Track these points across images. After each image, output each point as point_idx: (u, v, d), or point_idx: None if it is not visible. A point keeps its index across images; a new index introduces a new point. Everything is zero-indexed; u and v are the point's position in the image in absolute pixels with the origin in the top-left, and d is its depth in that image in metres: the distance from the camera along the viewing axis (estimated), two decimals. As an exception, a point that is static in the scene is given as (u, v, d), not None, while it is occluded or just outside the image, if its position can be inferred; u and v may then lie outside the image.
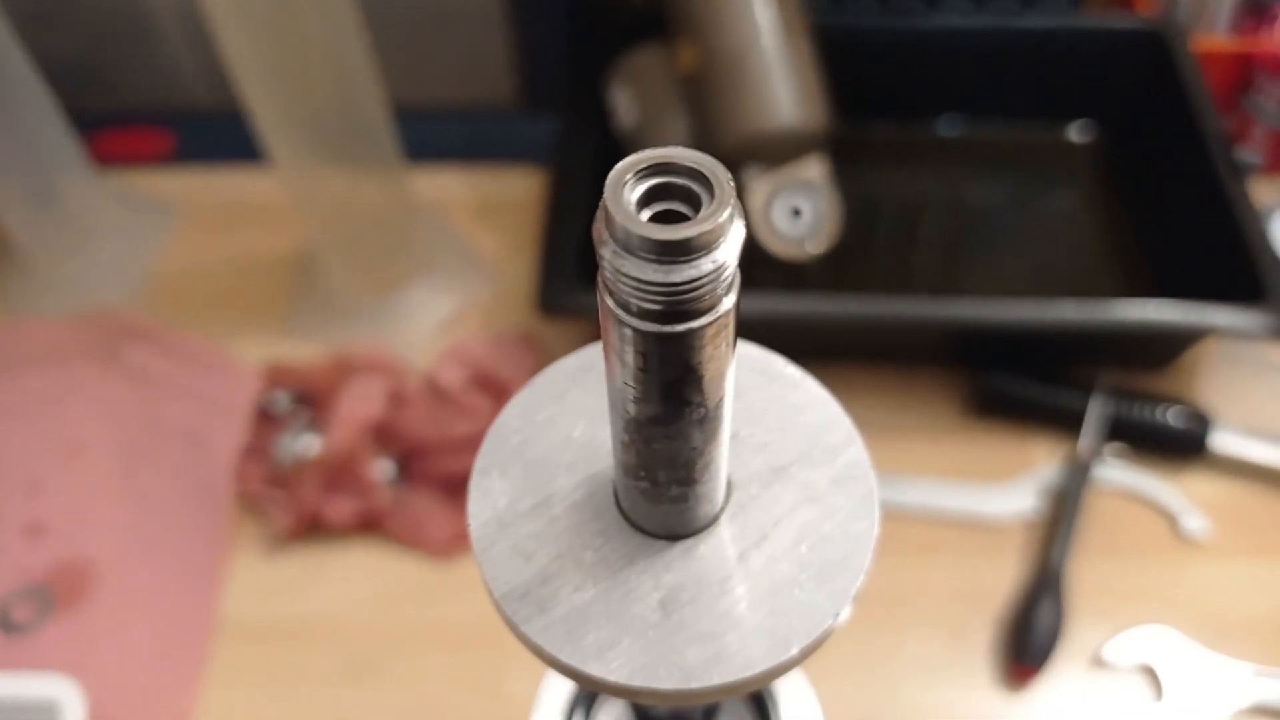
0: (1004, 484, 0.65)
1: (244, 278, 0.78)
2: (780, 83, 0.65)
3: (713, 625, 0.20)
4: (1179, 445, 0.65)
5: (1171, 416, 0.64)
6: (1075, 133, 0.82)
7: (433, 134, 0.83)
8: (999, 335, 0.67)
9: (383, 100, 0.66)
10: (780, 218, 0.67)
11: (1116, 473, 0.65)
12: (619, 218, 0.15)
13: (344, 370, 0.68)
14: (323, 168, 0.66)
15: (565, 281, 0.64)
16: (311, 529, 0.65)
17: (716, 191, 0.16)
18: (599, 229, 0.16)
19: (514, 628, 0.20)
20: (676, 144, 0.60)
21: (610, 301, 0.16)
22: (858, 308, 0.63)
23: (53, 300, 0.77)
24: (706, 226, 0.15)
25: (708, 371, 0.17)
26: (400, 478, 0.66)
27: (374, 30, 0.63)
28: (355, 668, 0.61)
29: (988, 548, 0.63)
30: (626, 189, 0.16)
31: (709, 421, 0.18)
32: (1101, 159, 0.81)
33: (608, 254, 0.16)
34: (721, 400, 0.18)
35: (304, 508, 0.63)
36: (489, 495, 0.22)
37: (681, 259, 0.15)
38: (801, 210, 0.68)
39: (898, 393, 0.69)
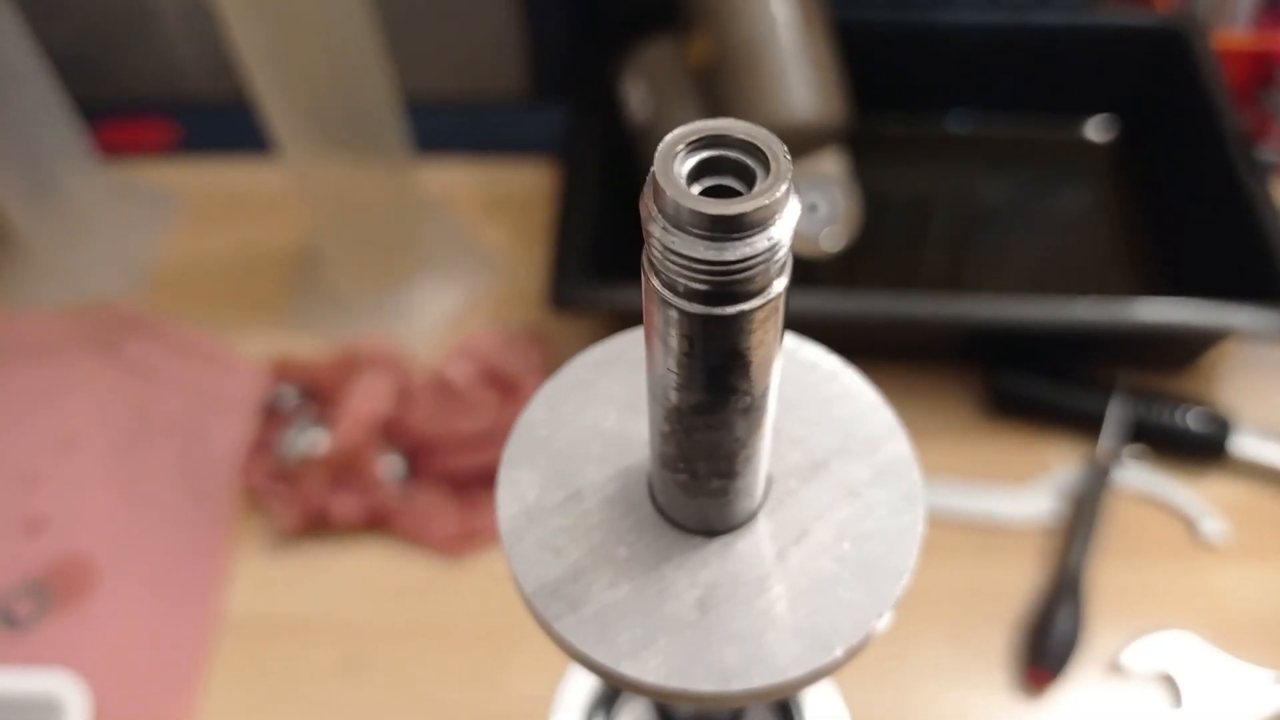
0: (1021, 486, 0.64)
1: (247, 270, 0.77)
2: (797, 76, 0.64)
3: (751, 625, 0.19)
4: (1199, 448, 0.64)
5: (1191, 419, 0.63)
6: (1092, 130, 0.81)
7: (440, 126, 0.82)
8: (1016, 334, 0.66)
9: (390, 91, 0.65)
10: (795, 213, 0.66)
11: (1135, 475, 0.64)
12: (669, 191, 0.14)
13: (351, 366, 0.68)
14: (328, 159, 0.65)
15: (576, 277, 0.63)
16: (317, 526, 0.64)
17: (772, 165, 0.15)
18: (646, 204, 0.15)
19: (545, 625, 0.19)
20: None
21: (656, 282, 0.16)
22: (872, 305, 0.62)
23: (52, 291, 0.76)
24: (763, 201, 0.14)
25: (756, 358, 0.16)
26: (407, 475, 0.65)
27: (382, 20, 0.62)
28: (359, 664, 0.60)
29: (1004, 551, 0.62)
30: (677, 161, 0.15)
31: (754, 411, 0.17)
32: (1118, 156, 0.80)
33: (656, 230, 0.15)
34: (767, 389, 0.17)
35: (309, 504, 0.62)
36: (517, 487, 0.21)
37: (735, 236, 0.14)
38: (818, 206, 0.67)
39: (912, 392, 0.68)
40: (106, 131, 0.84)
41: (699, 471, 0.18)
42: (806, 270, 0.70)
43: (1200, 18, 0.76)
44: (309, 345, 0.71)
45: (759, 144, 0.15)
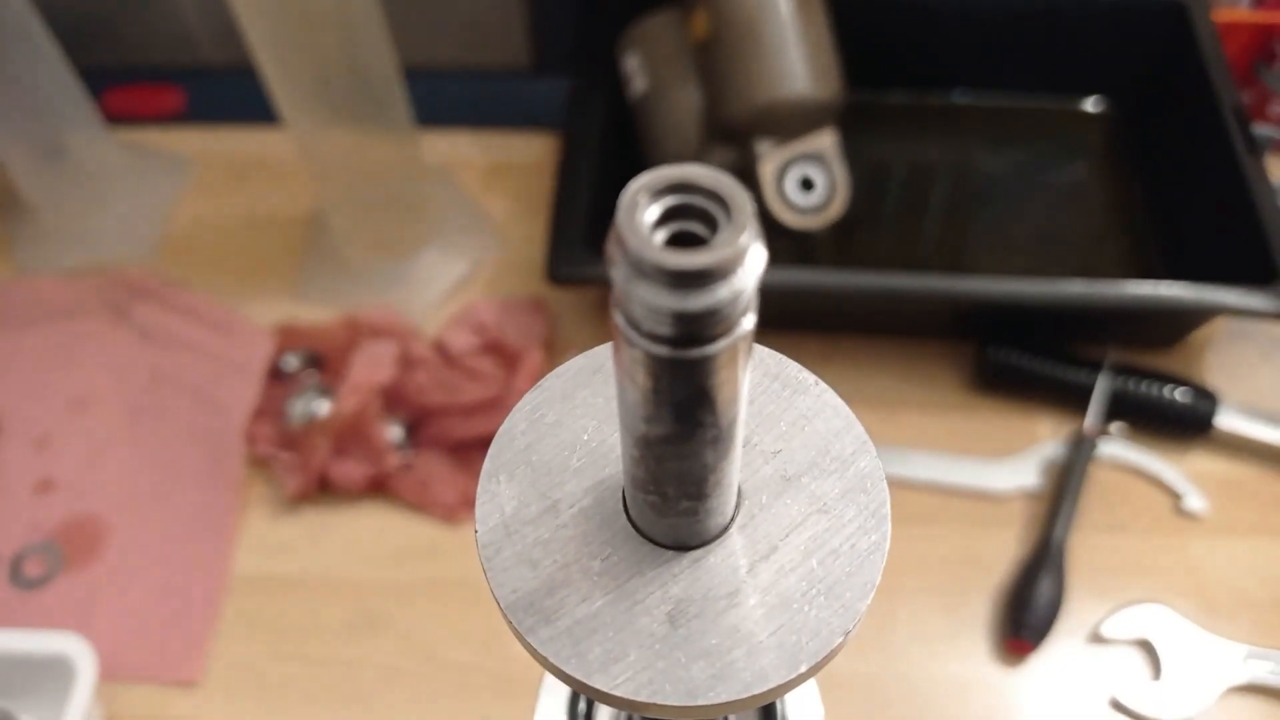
0: (1008, 458, 0.65)
1: (254, 237, 0.78)
2: (795, 52, 0.64)
3: (721, 640, 0.20)
4: (1185, 424, 0.65)
5: (1178, 395, 0.64)
6: (1090, 104, 0.81)
7: (444, 96, 0.82)
8: (1007, 311, 0.66)
9: (393, 60, 0.65)
10: (792, 189, 0.67)
11: (1120, 449, 0.65)
12: (632, 241, 0.15)
13: (355, 333, 0.68)
14: (332, 127, 0.65)
15: (574, 251, 0.64)
16: (321, 490, 0.65)
17: (735, 214, 0.15)
18: (611, 249, 0.16)
19: (520, 637, 0.20)
20: (688, 113, 0.60)
21: (621, 321, 0.16)
22: (866, 281, 0.63)
23: (63, 256, 0.77)
24: (724, 253, 0.15)
25: (722, 394, 0.17)
26: (409, 441, 0.66)
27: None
28: (362, 623, 0.61)
29: (989, 521, 0.63)
30: (640, 209, 0.15)
31: (722, 441, 0.18)
32: (1117, 131, 0.80)
33: (619, 277, 0.15)
34: (735, 419, 0.18)
35: (314, 469, 0.63)
36: (496, 499, 0.21)
37: (697, 286, 0.15)
38: (814, 181, 0.67)
39: (904, 365, 0.69)
40: (115, 99, 0.84)
41: (669, 494, 0.19)
42: (803, 244, 0.71)
43: (1203, -10, 0.76)
44: (315, 312, 0.72)
45: (723, 193, 0.15)
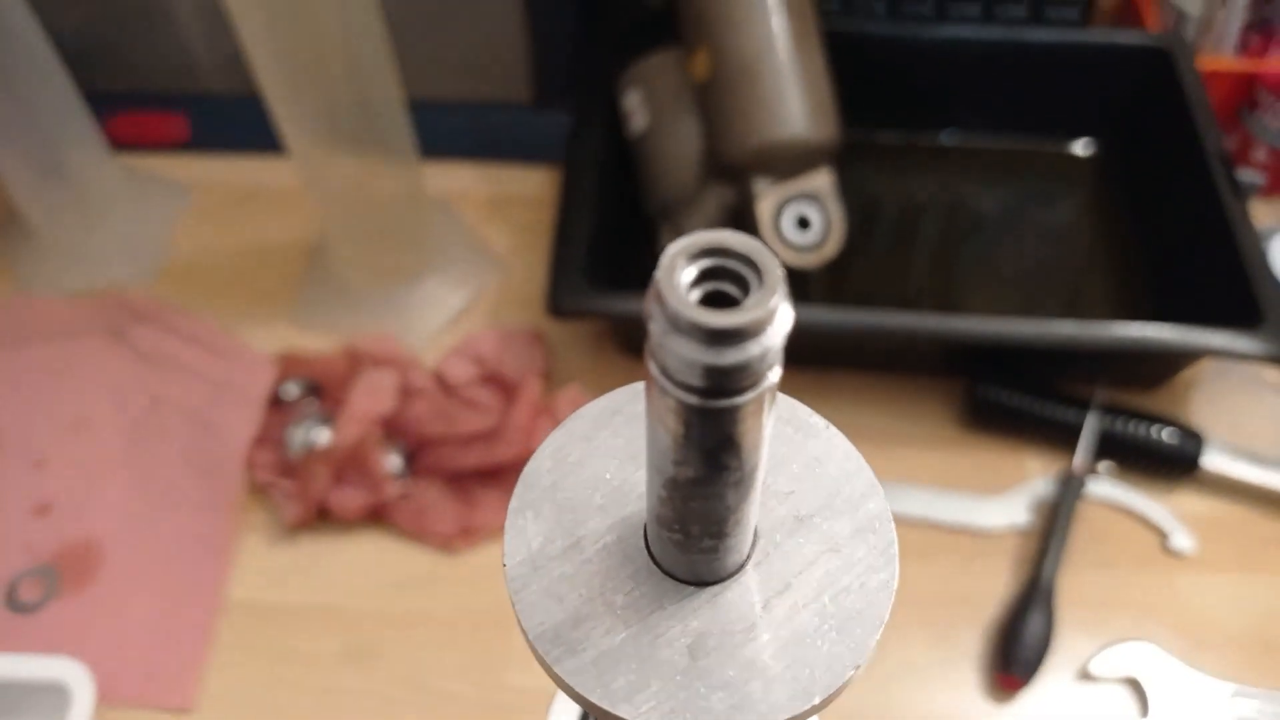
0: (998, 495, 0.66)
1: (256, 263, 0.79)
2: (793, 94, 0.66)
3: (738, 673, 0.21)
4: (1172, 463, 0.66)
5: (1165, 435, 0.65)
6: (1079, 146, 0.83)
7: (447, 128, 0.83)
8: (997, 349, 0.68)
9: (399, 92, 0.66)
10: (789, 227, 0.68)
11: (1109, 488, 0.66)
12: (670, 300, 0.16)
13: (355, 362, 0.69)
14: (336, 157, 0.66)
15: (574, 284, 0.65)
16: (319, 518, 0.65)
17: (766, 277, 0.16)
18: (649, 305, 0.17)
19: (547, 667, 0.21)
20: (687, 150, 0.62)
21: (656, 371, 0.17)
22: (858, 319, 0.64)
23: (63, 277, 0.77)
24: (756, 314, 0.16)
25: (746, 441, 0.18)
26: (407, 470, 0.66)
27: (392, 24, 0.63)
28: (357, 652, 0.62)
29: (979, 557, 0.64)
30: (678, 270, 0.16)
31: (744, 484, 0.19)
32: (1104, 172, 0.81)
33: (656, 330, 0.16)
34: (757, 464, 0.19)
35: (312, 497, 0.64)
36: (523, 535, 0.22)
37: (729, 343, 0.16)
38: (810, 220, 0.68)
39: (895, 402, 0.70)
40: (119, 125, 0.85)
41: (692, 533, 0.20)
42: (797, 281, 0.72)
43: (1188, 39, 0.78)
44: (314, 339, 0.73)
45: (754, 257, 0.17)
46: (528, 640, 0.21)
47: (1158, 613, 0.62)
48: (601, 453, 0.24)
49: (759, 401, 0.17)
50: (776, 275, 0.16)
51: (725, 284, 0.17)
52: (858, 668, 0.21)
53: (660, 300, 0.16)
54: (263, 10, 0.58)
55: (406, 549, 0.65)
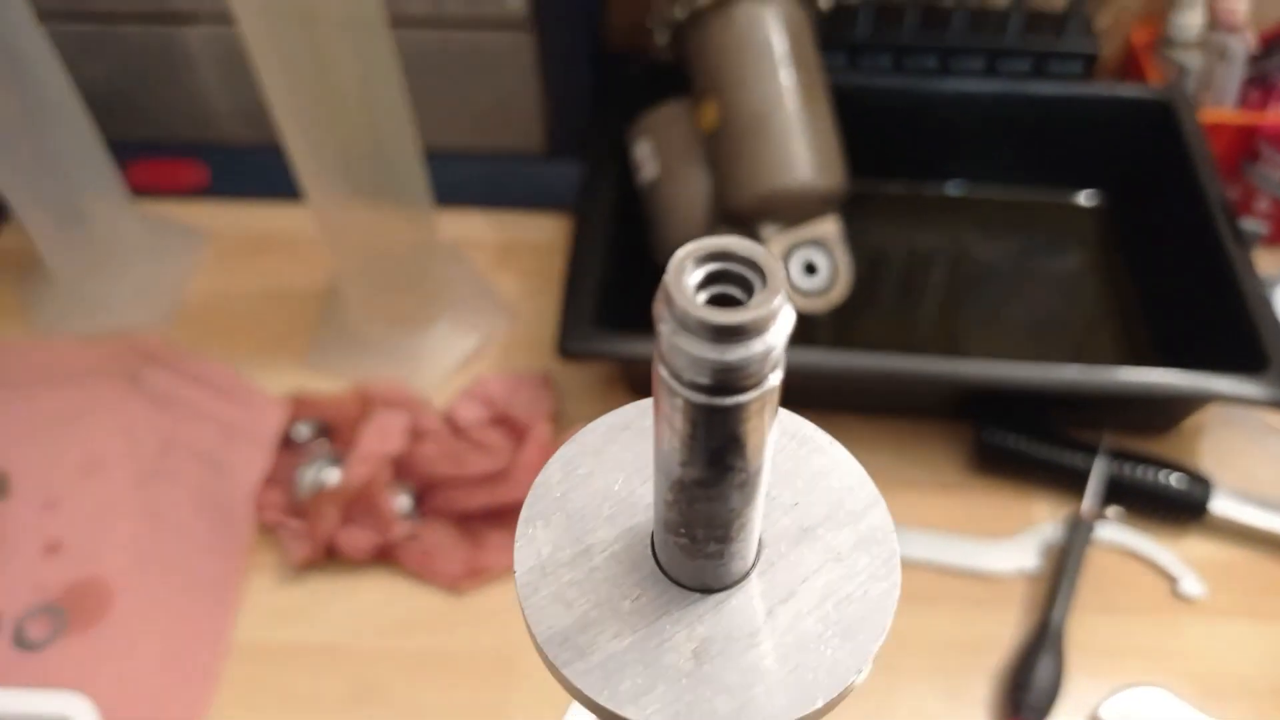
0: (1006, 540, 0.66)
1: (269, 309, 0.80)
2: (800, 143, 0.67)
3: (741, 677, 0.21)
4: (1180, 508, 0.66)
5: (1173, 480, 0.66)
6: (1083, 197, 0.84)
7: (460, 177, 0.85)
8: (1005, 394, 0.68)
9: (415, 142, 0.68)
10: (796, 273, 0.69)
11: (1117, 533, 0.66)
12: (679, 300, 0.17)
13: (366, 403, 0.70)
14: (354, 204, 0.68)
15: (583, 328, 0.66)
16: (327, 558, 0.66)
17: (769, 280, 0.17)
18: (659, 307, 0.17)
19: (555, 670, 0.21)
20: (696, 199, 0.63)
21: (665, 372, 0.18)
22: (865, 362, 0.65)
23: (78, 320, 0.78)
24: (759, 312, 0.17)
25: (751, 441, 0.19)
26: (416, 511, 0.67)
27: (409, 75, 0.65)
28: (364, 694, 0.62)
29: (988, 602, 0.64)
30: (686, 273, 0.17)
31: (748, 486, 0.20)
32: (1108, 224, 0.83)
33: (666, 331, 0.17)
34: (761, 467, 0.20)
35: (321, 538, 0.64)
36: (533, 543, 0.23)
37: (734, 340, 0.17)
38: (816, 266, 0.69)
39: (902, 446, 0.71)
40: (139, 171, 0.87)
41: (698, 536, 0.21)
42: (805, 327, 0.73)
43: (1190, 92, 0.79)
44: (326, 383, 0.74)
45: (758, 261, 0.17)
46: (536, 645, 0.22)
47: (1167, 658, 0.62)
48: (611, 465, 0.24)
49: (761, 402, 0.18)
50: (779, 278, 0.17)
51: (730, 287, 0.18)
52: (860, 673, 0.21)
53: (669, 301, 0.17)
54: (285, 63, 0.59)
55: (414, 590, 0.65)
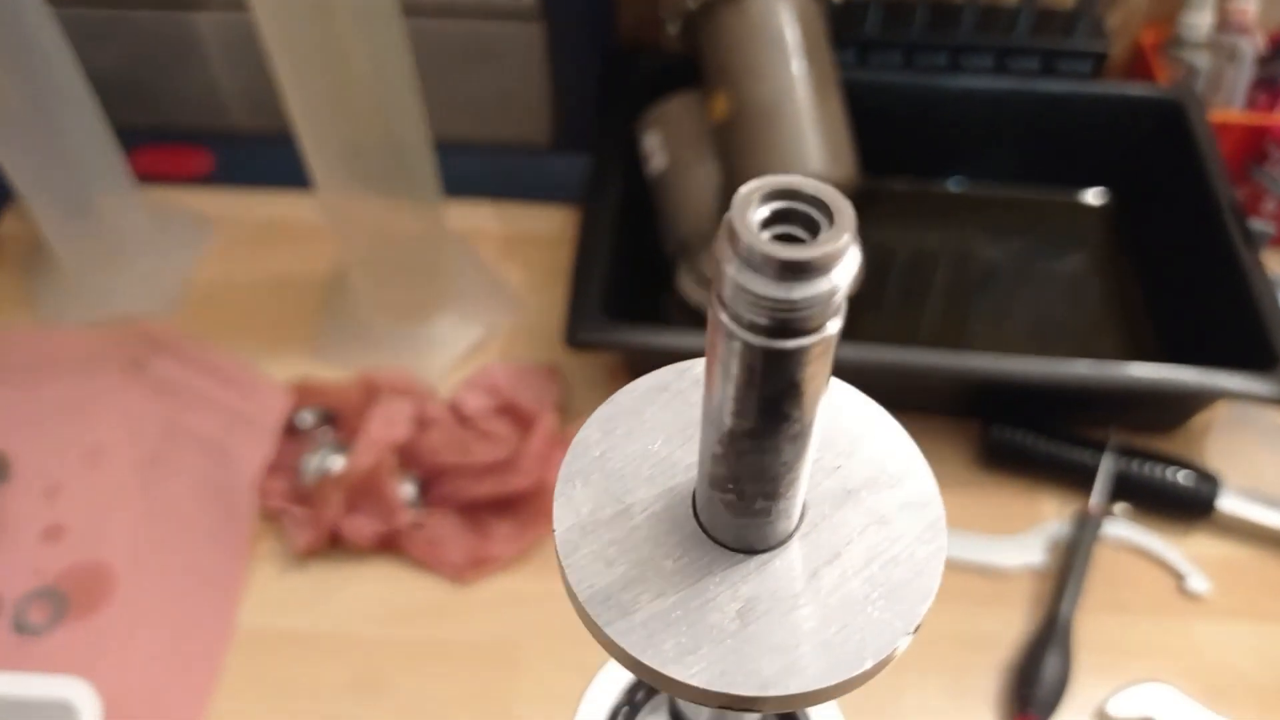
0: (1013, 536, 0.66)
1: (274, 297, 0.79)
2: (811, 135, 0.67)
3: (787, 637, 0.21)
4: (1187, 506, 0.66)
5: (1181, 478, 0.65)
6: (1090, 196, 0.84)
7: (468, 169, 0.84)
8: (1013, 390, 0.68)
9: (425, 133, 0.67)
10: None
11: (1124, 530, 0.66)
12: (744, 236, 0.16)
13: (371, 391, 0.69)
14: (363, 194, 0.67)
15: (591, 319, 0.65)
16: (331, 546, 0.65)
17: (837, 218, 0.17)
18: (721, 246, 0.17)
19: (597, 630, 0.21)
20: (705, 190, 0.63)
21: (724, 315, 0.17)
22: (873, 356, 0.65)
23: (84, 309, 0.78)
24: (827, 248, 0.16)
25: (808, 390, 0.18)
26: (420, 500, 0.66)
27: (420, 66, 0.64)
28: (366, 683, 0.61)
29: (995, 598, 0.64)
30: (751, 209, 0.17)
31: (801, 438, 0.19)
32: (1115, 223, 0.82)
33: (730, 269, 0.17)
34: (814, 419, 0.19)
35: (325, 524, 0.64)
36: (572, 502, 0.22)
37: (799, 278, 0.16)
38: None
39: (911, 441, 0.70)
40: (145, 159, 0.86)
41: (746, 492, 0.20)
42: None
43: (1198, 93, 0.79)
44: (332, 372, 0.73)
45: (826, 199, 0.17)
46: (577, 604, 0.21)
47: (1174, 655, 0.62)
48: (650, 426, 0.24)
49: (823, 346, 0.17)
50: (848, 217, 0.17)
51: (795, 228, 0.17)
52: (909, 634, 0.21)
53: (733, 238, 0.17)
54: (298, 51, 0.59)
55: (417, 579, 0.65)
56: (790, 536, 0.22)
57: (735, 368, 0.18)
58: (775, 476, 0.20)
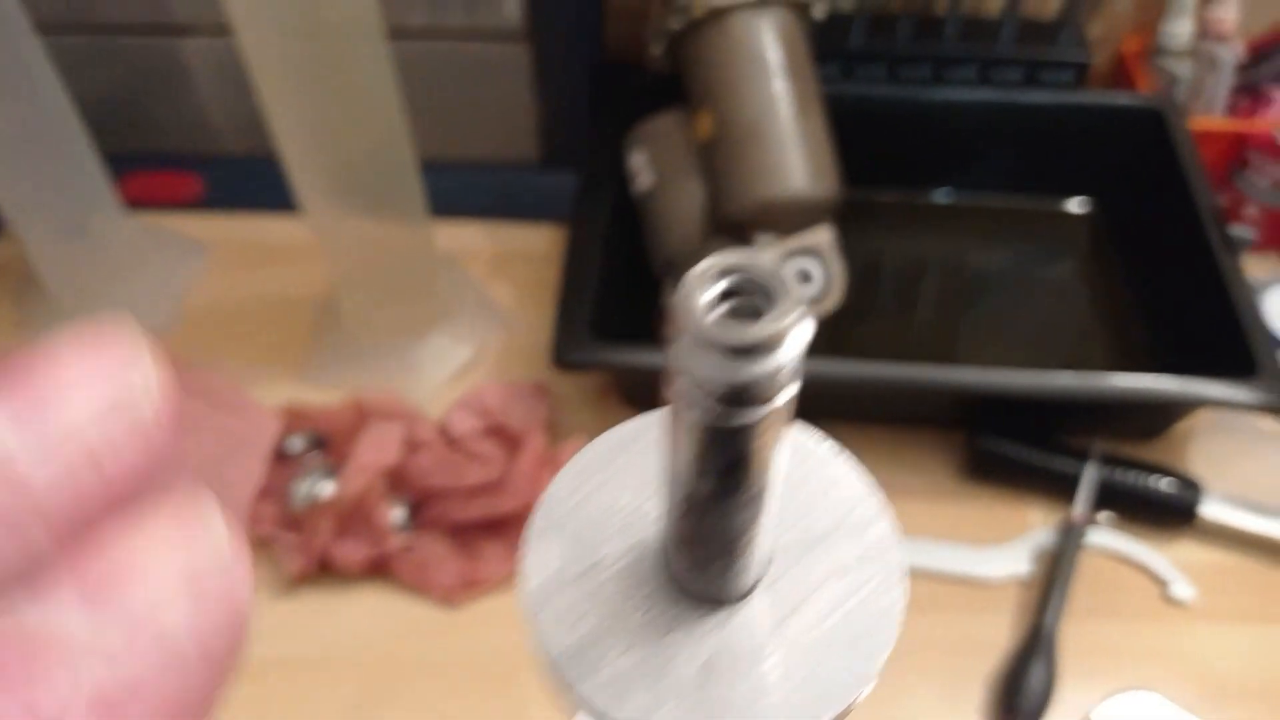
0: (999, 546, 0.67)
1: (265, 320, 0.80)
2: (794, 153, 0.67)
3: (749, 692, 0.21)
4: (1170, 513, 0.66)
5: (1164, 485, 0.66)
6: (1074, 205, 0.84)
7: (455, 188, 0.85)
8: (997, 401, 0.69)
9: (413, 153, 0.68)
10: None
11: (1108, 538, 0.66)
12: (692, 318, 0.17)
13: (361, 415, 0.70)
14: (352, 215, 0.68)
15: (579, 338, 0.66)
16: (321, 571, 0.66)
17: (780, 300, 0.17)
18: (672, 326, 0.18)
19: (566, 686, 0.21)
20: (691, 208, 0.63)
21: (676, 387, 0.18)
22: (858, 371, 0.65)
23: (74, 333, 0.78)
24: (773, 329, 0.17)
25: (760, 458, 0.19)
26: (410, 523, 0.67)
27: (405, 87, 0.65)
28: (360, 708, 0.61)
29: (981, 607, 0.65)
30: (698, 290, 0.17)
31: (756, 501, 0.20)
32: (1099, 231, 0.83)
33: (677, 348, 0.17)
34: (771, 483, 0.20)
35: (315, 550, 0.64)
36: (542, 558, 0.23)
37: (746, 358, 0.17)
38: (811, 274, 0.70)
39: (896, 454, 0.71)
40: (135, 184, 0.87)
41: (707, 551, 0.21)
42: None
43: (1180, 101, 0.80)
44: (322, 394, 0.74)
45: (770, 278, 0.18)
46: (547, 660, 0.22)
47: (1159, 662, 0.62)
48: (620, 479, 0.24)
49: (774, 418, 0.18)
50: (792, 295, 0.17)
51: (744, 303, 0.18)
52: (867, 685, 0.21)
53: (682, 318, 0.17)
54: (284, 75, 0.60)
55: (409, 602, 0.65)
56: (755, 588, 0.23)
57: (689, 438, 0.19)
58: (734, 538, 0.21)
